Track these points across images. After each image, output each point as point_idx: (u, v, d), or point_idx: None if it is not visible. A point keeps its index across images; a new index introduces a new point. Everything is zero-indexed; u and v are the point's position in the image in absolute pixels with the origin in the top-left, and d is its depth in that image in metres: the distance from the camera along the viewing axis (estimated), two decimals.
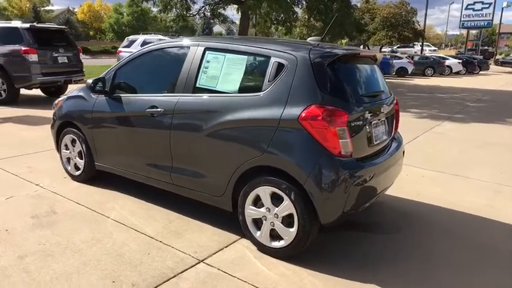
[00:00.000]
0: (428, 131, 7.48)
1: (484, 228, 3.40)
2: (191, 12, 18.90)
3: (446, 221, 3.50)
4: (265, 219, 2.74)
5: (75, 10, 56.65)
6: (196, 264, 2.66)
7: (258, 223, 2.82)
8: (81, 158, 3.99)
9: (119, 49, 15.73)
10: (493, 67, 37.25)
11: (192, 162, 3.09)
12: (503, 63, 43.24)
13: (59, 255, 2.71)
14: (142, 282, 2.44)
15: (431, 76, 25.35)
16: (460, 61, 27.87)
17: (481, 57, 35.53)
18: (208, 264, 2.66)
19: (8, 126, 6.85)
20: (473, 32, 49.71)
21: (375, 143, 2.92)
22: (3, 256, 2.68)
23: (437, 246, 3.04)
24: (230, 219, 3.09)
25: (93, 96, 3.74)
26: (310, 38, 3.27)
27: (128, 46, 14.90)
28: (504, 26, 58.58)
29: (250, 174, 2.76)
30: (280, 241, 2.71)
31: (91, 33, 53.73)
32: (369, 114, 2.83)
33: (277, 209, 2.67)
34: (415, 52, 37.51)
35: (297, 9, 19.69)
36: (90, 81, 3.70)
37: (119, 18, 50.46)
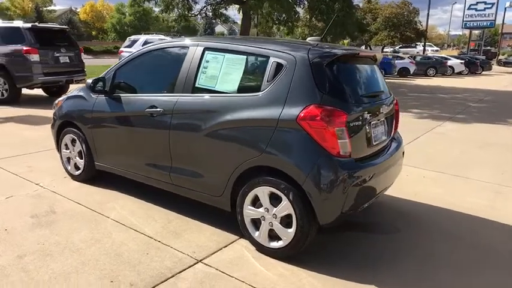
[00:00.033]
0: (429, 131, 7.46)
1: (483, 228, 3.39)
2: (193, 12, 18.93)
3: (446, 222, 3.49)
4: (264, 220, 2.74)
5: (78, 10, 56.84)
6: (195, 264, 2.66)
7: (256, 223, 2.82)
8: (81, 158, 4.00)
9: (121, 49, 15.79)
10: (495, 67, 37.15)
11: (191, 162, 3.09)
12: (505, 64, 43.12)
13: (57, 255, 2.71)
14: (141, 282, 2.44)
15: (433, 76, 25.29)
16: (463, 61, 27.78)
17: (484, 57, 35.40)
18: (207, 264, 2.65)
19: (9, 126, 6.87)
20: (476, 32, 49.58)
21: (374, 143, 2.91)
22: (3, 255, 2.69)
23: (437, 246, 3.03)
24: (229, 219, 3.09)
25: (93, 96, 3.75)
26: (309, 38, 3.27)
27: (129, 46, 14.95)
28: (507, 26, 58.38)
29: (249, 174, 2.76)
30: (279, 241, 2.71)
31: (93, 33, 53.87)
32: (368, 115, 2.83)
33: (275, 209, 2.66)
34: (417, 52, 37.45)
35: (299, 9, 19.69)
36: (90, 81, 3.70)
37: (121, 18, 50.59)
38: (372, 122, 2.88)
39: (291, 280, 2.51)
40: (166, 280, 2.47)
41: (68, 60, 9.39)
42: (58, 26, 10.26)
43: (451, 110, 10.31)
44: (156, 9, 21.79)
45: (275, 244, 2.73)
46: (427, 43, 42.88)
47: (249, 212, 2.81)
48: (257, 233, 2.81)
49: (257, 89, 2.76)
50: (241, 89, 2.85)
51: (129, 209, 3.49)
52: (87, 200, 3.66)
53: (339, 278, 2.54)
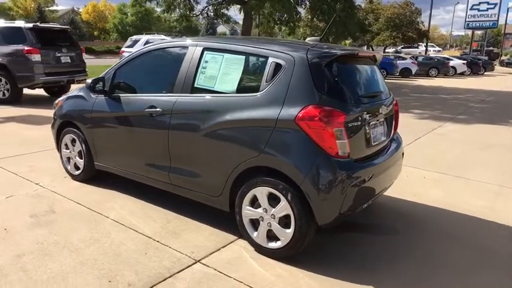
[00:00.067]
0: (430, 132, 7.45)
1: (483, 230, 3.38)
2: (194, 13, 18.93)
3: (446, 223, 3.48)
4: (262, 220, 2.74)
5: (80, 10, 56.97)
6: (193, 264, 2.66)
7: (255, 224, 2.82)
8: (81, 158, 4.01)
9: (122, 49, 15.83)
10: (498, 68, 37.02)
11: (190, 162, 3.09)
12: (508, 64, 42.99)
13: (56, 254, 2.72)
14: (139, 282, 2.44)
15: (435, 77, 25.23)
16: (465, 62, 27.72)
17: (486, 58, 35.30)
18: (205, 265, 2.65)
19: (10, 126, 6.89)
20: (479, 32, 49.40)
21: (373, 143, 2.90)
22: (1, 255, 2.70)
23: (436, 247, 3.02)
24: (228, 220, 3.09)
25: (92, 96, 3.76)
26: (308, 38, 3.27)
27: (131, 46, 14.98)
28: (509, 26, 58.10)
29: (247, 174, 2.76)
30: (277, 242, 2.71)
31: (95, 33, 53.98)
32: (367, 115, 2.82)
33: (274, 209, 2.66)
34: (420, 53, 37.37)
35: (300, 10, 19.68)
36: (89, 81, 3.71)
37: (123, 19, 50.69)
38: (371, 123, 2.88)
39: (289, 281, 2.50)
40: (164, 280, 2.47)
41: (69, 60, 9.42)
42: (59, 26, 10.29)
43: (453, 111, 10.28)
44: (158, 10, 21.82)
45: (273, 244, 2.72)
46: (429, 43, 42.76)
47: (248, 212, 2.81)
48: (255, 233, 2.80)
49: (256, 89, 2.76)
50: (240, 89, 2.85)
51: (129, 209, 3.50)
52: (86, 199, 3.67)
53: (337, 279, 2.53)
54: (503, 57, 48.65)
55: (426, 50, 39.17)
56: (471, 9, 42.32)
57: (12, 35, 8.75)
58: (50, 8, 51.27)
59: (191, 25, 27.43)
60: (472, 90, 16.58)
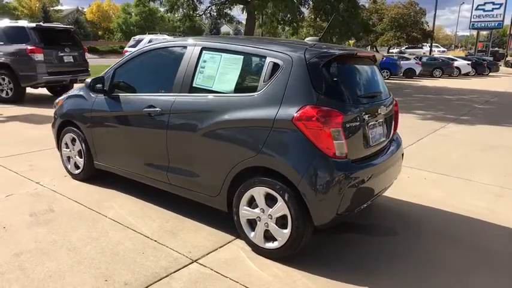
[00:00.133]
0: (432, 132, 7.40)
1: (483, 231, 3.35)
2: (197, 12, 18.95)
3: (446, 224, 3.45)
4: (260, 220, 2.73)
5: (84, 10, 57.20)
6: (190, 264, 2.65)
7: (252, 224, 2.81)
8: (81, 157, 4.02)
9: (125, 48, 15.90)
10: (503, 69, 36.75)
11: (188, 162, 3.09)
12: None
13: (54, 253, 2.73)
14: (135, 281, 2.45)
15: (439, 77, 25.10)
16: (469, 62, 27.52)
17: (491, 58, 35.06)
18: (202, 264, 2.65)
19: (13, 125, 6.93)
20: (484, 33, 49.13)
21: (372, 144, 2.89)
22: (0, 253, 2.71)
23: (435, 248, 3.00)
24: (226, 220, 3.08)
25: (92, 95, 3.77)
26: (308, 38, 3.26)
27: (134, 46, 15.01)
28: None
29: (245, 174, 2.75)
30: (274, 242, 2.70)
31: (99, 33, 54.21)
32: (366, 116, 2.81)
33: (271, 209, 2.65)
34: (424, 53, 37.20)
35: (304, 10, 19.65)
36: (89, 80, 3.72)
37: (127, 18, 50.87)
38: (370, 123, 2.86)
39: (286, 281, 2.49)
40: (160, 280, 2.47)
41: (72, 60, 9.46)
42: (62, 26, 10.35)
43: (456, 112, 10.22)
44: (162, 9, 21.86)
45: (270, 245, 2.72)
46: (434, 44, 42.58)
47: (245, 212, 2.80)
48: (253, 233, 2.80)
49: (254, 89, 2.75)
50: (238, 89, 2.85)
51: (127, 208, 3.50)
52: (86, 199, 3.68)
53: (334, 280, 2.52)
54: (508, 58, 48.19)
55: (431, 51, 39.01)
56: (476, 9, 42.03)
57: (16, 35, 8.81)
58: (55, 8, 51.55)
59: (195, 25, 27.37)
60: (477, 91, 16.47)
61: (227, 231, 3.07)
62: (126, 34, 47.39)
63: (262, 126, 2.63)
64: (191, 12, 18.40)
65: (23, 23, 9.42)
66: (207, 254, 2.78)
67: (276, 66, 2.68)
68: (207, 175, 2.98)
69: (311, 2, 18.53)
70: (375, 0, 27.61)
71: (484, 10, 41.72)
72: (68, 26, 10.86)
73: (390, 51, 37.87)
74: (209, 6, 18.89)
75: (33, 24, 9.00)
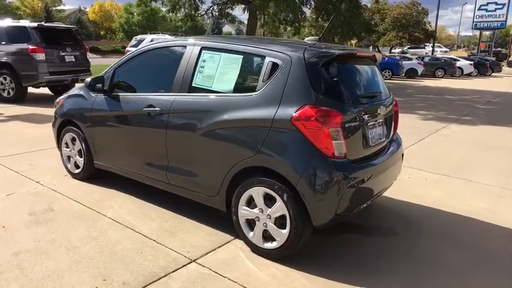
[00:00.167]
0: (434, 133, 7.38)
1: (484, 231, 3.34)
2: (199, 12, 18.95)
3: (446, 224, 3.44)
4: (258, 220, 2.73)
5: (87, 10, 57.31)
6: (188, 264, 2.65)
7: (251, 224, 2.81)
8: (81, 156, 4.03)
9: (127, 48, 15.92)
10: (505, 69, 36.59)
11: (187, 162, 3.08)
12: None
13: (53, 253, 2.73)
14: (133, 280, 2.44)
15: (441, 78, 25.03)
16: (472, 63, 27.44)
17: (494, 58, 34.92)
18: (200, 264, 2.65)
19: (14, 124, 6.95)
20: (487, 33, 48.94)
21: (372, 144, 2.88)
22: None
23: (435, 248, 2.99)
24: (225, 220, 3.07)
25: (92, 95, 3.77)
26: (307, 38, 3.25)
27: (135, 45, 15.03)
28: None
29: (243, 174, 2.75)
30: (273, 242, 2.69)
31: (102, 32, 54.30)
32: (365, 116, 2.80)
33: (269, 210, 2.65)
34: (426, 53, 37.08)
35: (305, 10, 19.63)
36: (89, 80, 3.72)
37: (129, 18, 50.92)
38: (369, 123, 2.85)
39: (284, 282, 2.49)
40: (158, 279, 2.47)
41: (73, 60, 9.48)
42: (64, 26, 10.37)
43: (458, 112, 10.19)
44: (164, 9, 21.87)
45: (269, 245, 2.71)
46: (436, 44, 42.43)
47: (244, 212, 2.80)
48: (251, 233, 2.79)
49: (253, 88, 2.75)
50: (237, 89, 2.84)
51: (127, 208, 3.50)
52: (85, 198, 3.68)
53: (332, 280, 2.52)
54: (511, 58, 48.07)
55: (433, 51, 38.87)
56: (479, 9, 41.87)
57: (17, 34, 8.82)
58: (57, 8, 51.60)
59: (197, 25, 27.40)
60: (479, 91, 16.41)
61: (226, 231, 3.07)
62: (128, 34, 47.43)
63: (261, 126, 2.62)
64: (193, 12, 18.39)
65: (25, 22, 9.44)
66: (206, 254, 2.77)
67: (275, 66, 2.67)
68: (206, 175, 2.97)
69: (313, 2, 18.50)
70: (377, 0, 27.51)
71: (486, 10, 41.55)
72: (70, 26, 10.88)
73: (392, 51, 37.76)
74: (211, 6, 18.90)
75: (35, 24, 9.01)
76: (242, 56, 2.90)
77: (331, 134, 2.48)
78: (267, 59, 2.72)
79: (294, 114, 2.51)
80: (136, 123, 3.39)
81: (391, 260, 2.81)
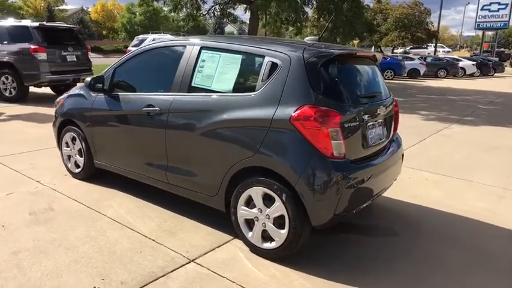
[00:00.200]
0: (435, 133, 7.36)
1: (483, 232, 3.32)
2: (201, 12, 18.97)
3: (446, 225, 3.42)
4: (257, 220, 2.72)
5: (89, 9, 57.39)
6: (187, 263, 2.65)
7: (250, 224, 2.81)
8: (81, 156, 4.03)
9: (129, 48, 15.93)
10: (508, 69, 36.48)
11: (187, 162, 3.08)
12: None
13: (52, 252, 2.73)
14: (131, 280, 2.44)
15: (444, 78, 24.95)
16: (474, 63, 27.34)
17: (497, 59, 34.79)
18: (199, 264, 2.64)
19: (15, 124, 6.97)
20: (489, 33, 48.70)
21: (371, 144, 2.87)
22: None
23: (434, 249, 2.98)
24: (225, 220, 3.07)
25: (92, 94, 3.77)
26: (307, 38, 3.24)
27: (137, 45, 15.04)
28: None
29: (242, 174, 2.75)
30: (272, 242, 2.69)
31: (104, 32, 54.37)
32: (365, 116, 2.79)
33: (268, 210, 2.64)
34: (428, 53, 36.98)
35: (307, 9, 19.61)
36: (89, 79, 3.73)
37: (131, 18, 50.94)
38: (369, 123, 2.84)
39: (283, 282, 2.48)
40: (157, 279, 2.47)
41: (75, 59, 9.49)
42: (65, 25, 10.38)
43: (460, 112, 10.16)
44: (166, 9, 21.91)
45: (268, 245, 2.71)
46: (438, 44, 42.33)
47: (243, 212, 2.79)
48: (250, 233, 2.79)
49: (252, 88, 2.75)
50: (236, 89, 2.84)
51: (126, 208, 3.50)
52: (85, 197, 3.69)
53: (331, 280, 2.51)
54: None
55: (435, 51, 38.77)
56: (482, 9, 41.66)
57: (19, 34, 8.84)
58: (60, 8, 51.67)
59: (199, 25, 27.46)
60: (481, 92, 16.36)
61: (225, 231, 3.06)
62: (130, 34, 47.44)
63: (260, 126, 2.62)
64: (195, 12, 18.44)
65: (26, 22, 9.46)
66: (205, 254, 2.77)
67: (274, 66, 2.67)
68: (205, 175, 2.97)
69: (314, 2, 18.49)
70: (379, 0, 27.46)
71: (489, 10, 41.35)
72: (71, 26, 10.89)
73: (394, 51, 37.68)
74: (213, 6, 18.93)
75: (36, 24, 9.03)
76: (241, 56, 2.89)
77: (330, 134, 2.47)
78: (266, 59, 2.71)
79: (293, 114, 2.50)
80: (136, 122, 3.39)
81: (389, 260, 2.80)
